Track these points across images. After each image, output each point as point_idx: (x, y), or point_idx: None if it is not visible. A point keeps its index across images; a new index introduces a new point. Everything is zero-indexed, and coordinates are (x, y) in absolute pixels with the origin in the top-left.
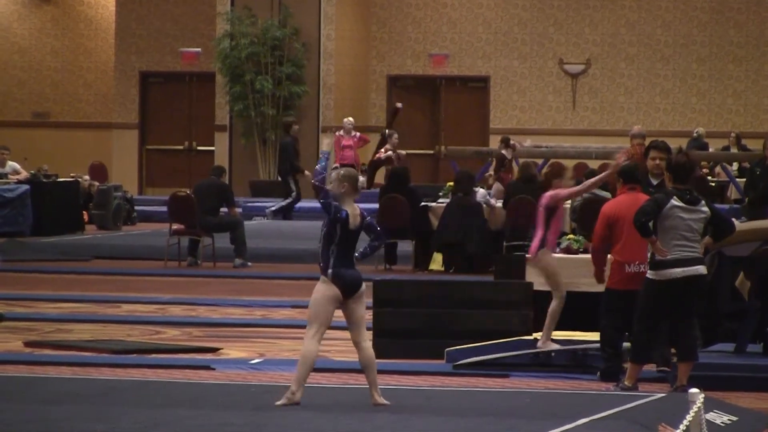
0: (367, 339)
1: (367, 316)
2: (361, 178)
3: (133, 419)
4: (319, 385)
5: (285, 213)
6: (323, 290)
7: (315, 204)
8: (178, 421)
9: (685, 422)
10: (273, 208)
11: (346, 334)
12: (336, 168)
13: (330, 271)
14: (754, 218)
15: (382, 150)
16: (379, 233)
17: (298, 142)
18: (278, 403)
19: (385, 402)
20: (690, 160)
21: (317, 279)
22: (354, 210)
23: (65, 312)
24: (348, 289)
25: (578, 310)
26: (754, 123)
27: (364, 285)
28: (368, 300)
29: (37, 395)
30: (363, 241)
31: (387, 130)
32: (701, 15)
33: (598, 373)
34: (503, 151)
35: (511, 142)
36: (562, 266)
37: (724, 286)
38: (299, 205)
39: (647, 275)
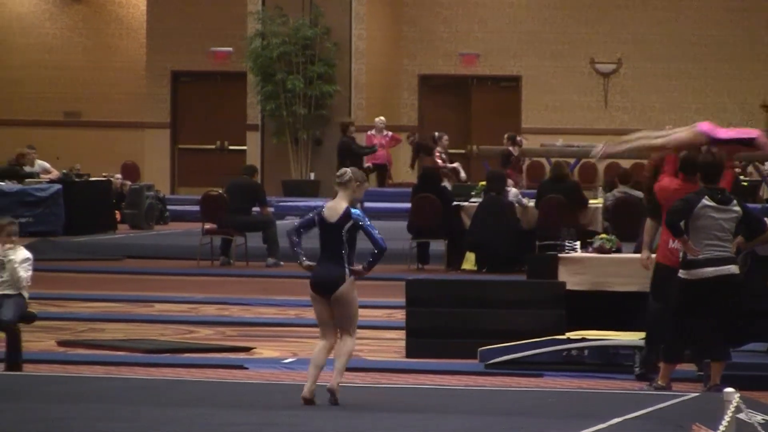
0: (350, 335)
1: (399, 314)
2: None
3: (156, 415)
4: (352, 385)
5: None
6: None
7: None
8: (177, 420)
9: (725, 422)
10: None
11: (377, 333)
12: (368, 167)
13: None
14: None
15: (437, 152)
16: (376, 240)
17: (355, 141)
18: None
19: (336, 395)
20: (717, 158)
21: None
22: (337, 204)
23: (98, 311)
24: (319, 288)
25: (611, 310)
26: None
27: (342, 287)
28: (401, 299)
29: (70, 394)
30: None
31: (436, 133)
32: (732, 14)
33: (637, 366)
34: (510, 148)
35: (518, 138)
36: (595, 265)
37: (756, 286)
38: (324, 203)
39: (679, 274)
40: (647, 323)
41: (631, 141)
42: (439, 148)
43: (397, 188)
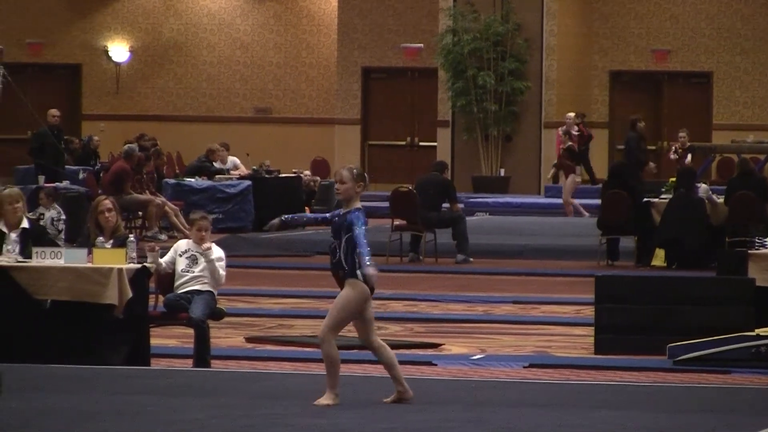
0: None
1: (588, 311)
2: None
3: (354, 414)
4: (540, 381)
5: None
6: (359, 292)
7: (531, 199)
8: (383, 418)
9: None
10: None
11: (566, 330)
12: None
13: (358, 272)
14: None
15: (674, 146)
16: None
17: (643, 138)
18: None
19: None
20: None
21: (545, 275)
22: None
23: (287, 308)
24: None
25: None
26: None
27: None
28: (590, 295)
29: (258, 390)
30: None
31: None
32: None
33: None
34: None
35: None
36: None
37: None
38: (514, 200)
39: None
40: None
41: None
42: (677, 144)
43: (585, 185)
